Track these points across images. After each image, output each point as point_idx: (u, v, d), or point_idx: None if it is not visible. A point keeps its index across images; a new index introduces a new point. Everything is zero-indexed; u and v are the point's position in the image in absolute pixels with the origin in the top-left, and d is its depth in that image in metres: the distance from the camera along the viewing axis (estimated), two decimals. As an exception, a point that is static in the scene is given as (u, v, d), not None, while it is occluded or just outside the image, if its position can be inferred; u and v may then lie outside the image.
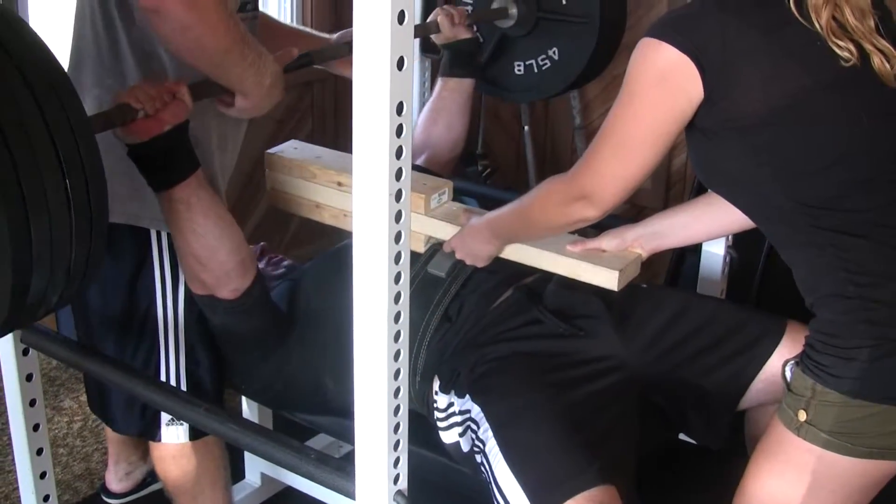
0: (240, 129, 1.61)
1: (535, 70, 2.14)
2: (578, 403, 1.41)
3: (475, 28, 2.04)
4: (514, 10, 2.09)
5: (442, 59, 2.02)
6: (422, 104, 2.39)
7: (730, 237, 1.89)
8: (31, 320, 1.13)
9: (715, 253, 1.89)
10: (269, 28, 1.75)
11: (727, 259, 1.91)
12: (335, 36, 1.82)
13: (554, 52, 2.11)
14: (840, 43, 1.13)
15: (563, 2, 2.05)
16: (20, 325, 1.11)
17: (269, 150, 1.68)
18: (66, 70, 1.38)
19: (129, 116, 1.28)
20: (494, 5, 2.12)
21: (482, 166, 2.81)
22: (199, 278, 1.46)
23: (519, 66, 2.16)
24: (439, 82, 2.02)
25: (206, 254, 1.42)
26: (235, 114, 1.46)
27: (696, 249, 1.94)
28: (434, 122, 2.00)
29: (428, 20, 1.99)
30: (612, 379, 1.47)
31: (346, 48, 1.70)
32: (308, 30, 1.97)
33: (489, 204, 1.98)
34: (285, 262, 1.87)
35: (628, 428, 1.44)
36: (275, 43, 1.49)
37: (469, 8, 2.17)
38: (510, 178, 3.15)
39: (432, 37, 1.99)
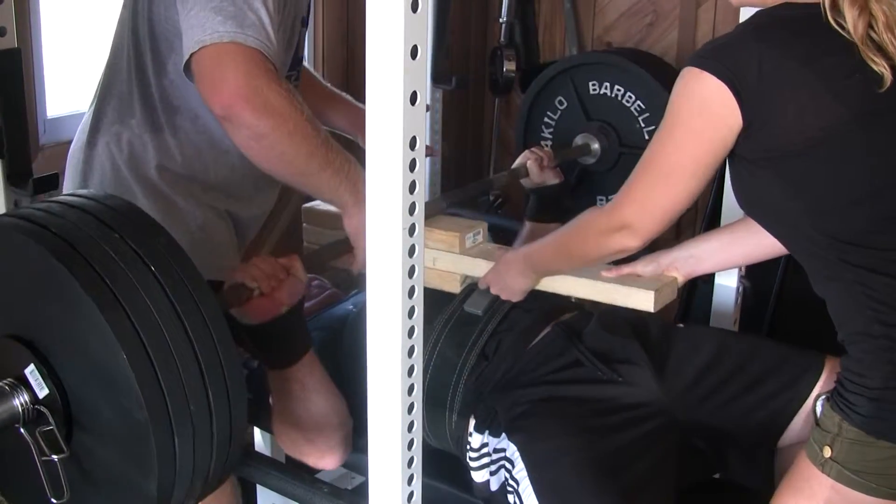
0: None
1: None
2: (616, 450, 1.38)
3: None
4: (596, 146, 2.08)
5: (528, 202, 1.92)
6: (433, 135, 2.40)
7: (742, 268, 1.88)
8: None
9: (727, 284, 1.88)
10: (311, 86, 1.68)
11: (740, 290, 1.90)
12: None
13: None
14: (875, 59, 1.12)
15: (645, 136, 2.02)
16: None
17: (305, 205, 1.69)
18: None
19: (244, 296, 1.22)
20: (577, 142, 2.09)
21: (493, 196, 2.81)
22: (302, 451, 1.43)
23: (601, 200, 2.14)
24: (526, 226, 1.91)
25: (315, 430, 1.39)
26: (354, 241, 1.36)
27: (708, 280, 1.93)
28: None
29: (515, 164, 1.88)
30: (651, 425, 1.43)
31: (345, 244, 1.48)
32: (347, 96, 1.83)
33: (500, 233, 1.97)
34: (315, 282, 1.82)
35: (665, 474, 1.41)
36: (313, 105, 1.41)
37: (548, 143, 2.11)
38: (522, 209, 3.14)
39: (522, 181, 1.89)
